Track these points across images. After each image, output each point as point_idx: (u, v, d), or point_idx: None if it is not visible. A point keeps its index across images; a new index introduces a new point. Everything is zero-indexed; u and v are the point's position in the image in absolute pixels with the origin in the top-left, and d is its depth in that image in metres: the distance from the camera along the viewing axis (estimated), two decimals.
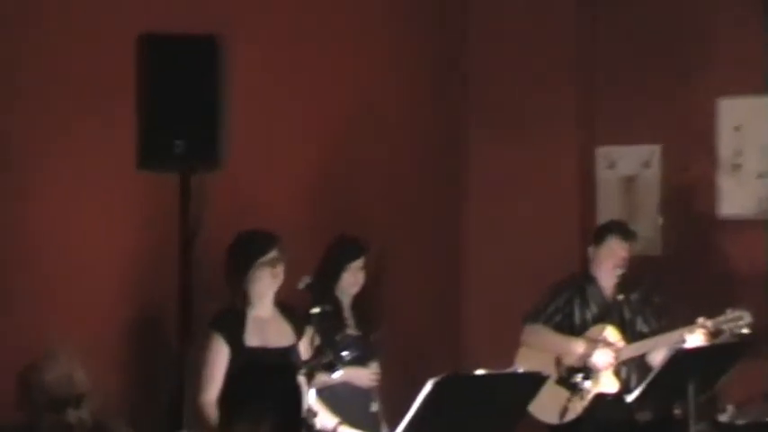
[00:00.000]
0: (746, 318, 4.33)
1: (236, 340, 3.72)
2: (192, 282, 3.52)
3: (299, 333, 3.86)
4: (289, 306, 3.88)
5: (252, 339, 3.75)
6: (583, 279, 4.73)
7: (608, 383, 4.55)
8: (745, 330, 4.36)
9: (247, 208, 4.21)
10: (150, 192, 3.79)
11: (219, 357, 3.68)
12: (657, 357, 4.42)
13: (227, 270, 3.78)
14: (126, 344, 3.92)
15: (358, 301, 4.22)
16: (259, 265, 3.74)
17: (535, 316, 4.68)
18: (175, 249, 3.50)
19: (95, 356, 3.28)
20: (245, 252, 3.74)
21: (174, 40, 3.47)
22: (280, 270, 3.78)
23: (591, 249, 4.72)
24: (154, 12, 3.83)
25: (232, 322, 3.75)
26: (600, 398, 4.52)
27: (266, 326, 3.81)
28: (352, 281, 4.18)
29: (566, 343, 4.57)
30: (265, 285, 3.78)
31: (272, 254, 3.76)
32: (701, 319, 4.39)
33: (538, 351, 4.58)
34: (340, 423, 3.89)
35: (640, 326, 4.68)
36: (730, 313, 4.36)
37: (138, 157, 3.46)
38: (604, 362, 4.52)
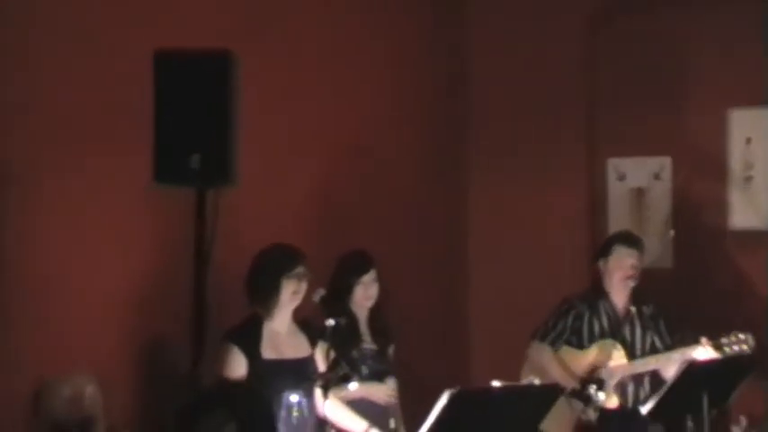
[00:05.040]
0: (750, 340, 4.34)
1: (253, 352, 3.73)
2: (206, 299, 3.52)
3: (314, 344, 3.88)
4: (304, 318, 3.90)
5: (268, 352, 3.76)
6: (594, 293, 4.72)
7: (610, 399, 4.54)
8: (747, 352, 4.37)
9: (259, 223, 4.23)
10: (164, 208, 3.80)
11: (238, 369, 3.69)
12: (669, 371, 4.41)
13: (251, 282, 3.80)
14: (139, 363, 3.91)
15: (374, 314, 4.23)
16: (285, 280, 3.77)
17: (543, 334, 4.67)
18: (189, 266, 3.49)
19: (108, 377, 3.27)
20: (273, 266, 3.77)
21: (188, 56, 3.48)
22: (303, 286, 3.81)
23: (601, 262, 4.72)
24: (168, 27, 3.85)
25: (248, 334, 3.76)
26: (608, 412, 4.51)
27: (282, 339, 3.82)
28: (365, 294, 4.18)
29: (563, 376, 4.56)
30: (288, 300, 3.80)
31: (299, 269, 3.78)
32: (703, 339, 4.40)
33: (540, 371, 4.59)
34: (370, 426, 3.89)
35: (654, 339, 4.68)
36: (733, 335, 4.37)
37: (154, 171, 3.46)
38: (611, 377, 4.54)
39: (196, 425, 2.69)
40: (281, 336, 3.82)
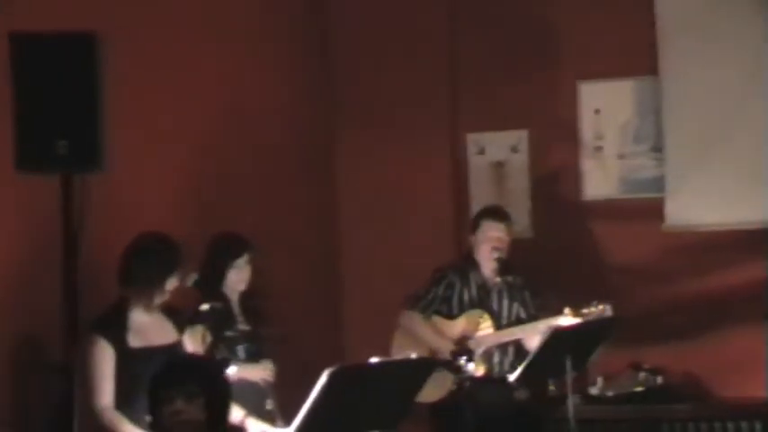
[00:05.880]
0: (608, 311, 4.54)
1: (119, 341, 3.67)
2: (76, 286, 3.42)
3: (181, 330, 3.85)
4: (168, 305, 3.85)
5: (135, 340, 3.71)
6: (465, 263, 4.86)
7: (479, 368, 4.67)
8: (607, 317, 4.57)
9: (130, 209, 4.13)
10: (31, 197, 3.67)
11: (106, 360, 3.63)
12: (533, 341, 4.56)
13: (130, 273, 3.71)
14: (9, 355, 3.78)
15: (247, 297, 4.21)
16: (170, 278, 3.72)
17: (415, 302, 4.79)
18: (58, 253, 3.40)
19: None
20: (157, 262, 3.70)
21: (49, 38, 3.35)
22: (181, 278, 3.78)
23: (471, 237, 4.85)
24: (28, 9, 3.69)
25: (114, 323, 3.69)
26: (477, 380, 4.67)
27: (148, 326, 3.77)
28: (237, 278, 4.16)
29: (436, 339, 4.69)
30: (168, 293, 3.75)
31: (181, 266, 3.75)
32: (566, 309, 4.59)
33: (412, 338, 4.71)
34: (246, 415, 3.88)
35: (519, 310, 4.85)
36: (593, 306, 4.56)
37: (15, 159, 3.33)
38: (478, 346, 4.68)
39: (168, 396, 2.68)
40: (148, 323, 3.77)
